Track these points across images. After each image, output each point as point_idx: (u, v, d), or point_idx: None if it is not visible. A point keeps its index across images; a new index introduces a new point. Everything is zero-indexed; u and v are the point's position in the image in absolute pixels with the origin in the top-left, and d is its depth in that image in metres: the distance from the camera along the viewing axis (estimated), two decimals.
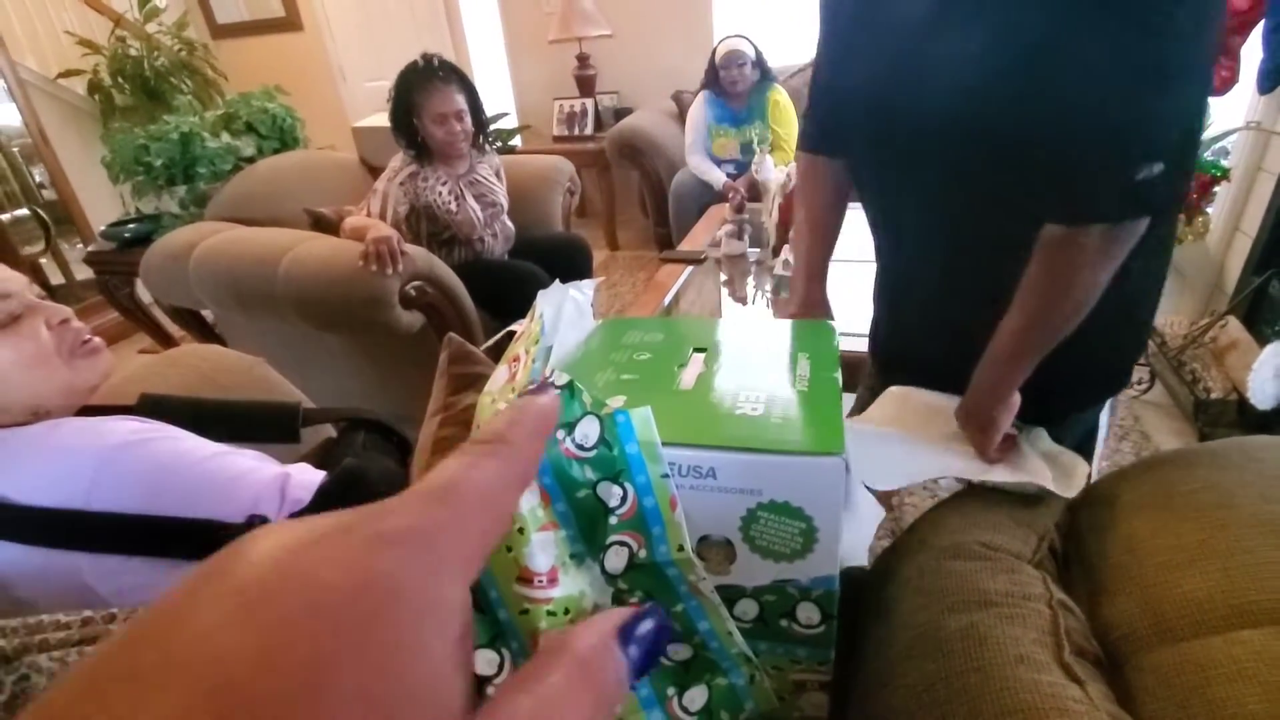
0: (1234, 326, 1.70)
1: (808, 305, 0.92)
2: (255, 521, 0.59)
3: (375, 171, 1.98)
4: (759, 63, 2.74)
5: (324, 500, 0.63)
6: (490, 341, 0.87)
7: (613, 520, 0.52)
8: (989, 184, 0.66)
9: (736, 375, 0.64)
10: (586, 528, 0.55)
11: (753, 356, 0.68)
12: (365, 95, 3.94)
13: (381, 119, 2.20)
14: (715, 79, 2.76)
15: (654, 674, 0.59)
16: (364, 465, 0.68)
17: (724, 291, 1.92)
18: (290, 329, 1.79)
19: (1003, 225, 0.67)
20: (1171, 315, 1.96)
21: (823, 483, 0.51)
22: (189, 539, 0.57)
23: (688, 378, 0.63)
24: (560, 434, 0.51)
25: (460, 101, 1.90)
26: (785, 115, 2.74)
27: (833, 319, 0.85)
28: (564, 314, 0.73)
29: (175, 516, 0.57)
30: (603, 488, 0.51)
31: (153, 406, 0.71)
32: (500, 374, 0.67)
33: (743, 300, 1.90)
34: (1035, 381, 0.75)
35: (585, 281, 0.78)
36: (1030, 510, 0.68)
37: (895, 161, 0.75)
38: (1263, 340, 1.64)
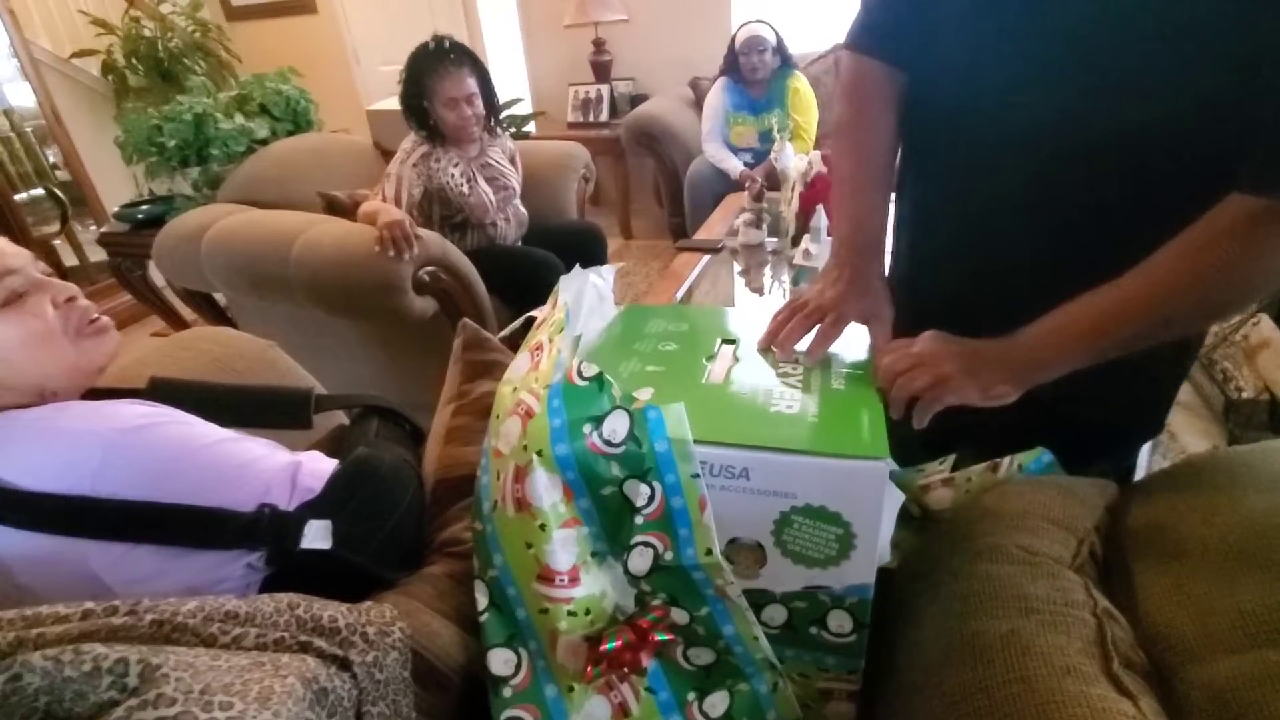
0: (1266, 325, 1.65)
1: (862, 285, 0.66)
2: (265, 510, 0.57)
3: (389, 155, 1.96)
4: (779, 49, 2.69)
5: (336, 489, 0.61)
6: (507, 330, 0.85)
7: (639, 520, 0.51)
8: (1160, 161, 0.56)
9: (768, 370, 0.61)
10: (610, 526, 0.53)
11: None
12: (379, 79, 3.92)
13: (396, 102, 2.18)
14: (734, 65, 2.71)
15: (675, 678, 0.57)
16: (376, 454, 0.66)
17: (739, 282, 1.89)
18: (302, 313, 1.77)
19: (1158, 198, 0.56)
20: None
21: (865, 488, 0.49)
22: (198, 527, 0.56)
23: (717, 371, 0.61)
24: (587, 428, 0.50)
25: (472, 85, 1.87)
26: (805, 103, 2.68)
27: (890, 312, 0.67)
28: (585, 300, 0.71)
29: (184, 504, 0.55)
30: (630, 486, 0.50)
31: (162, 390, 0.70)
32: (522, 362, 0.63)
33: (759, 291, 1.87)
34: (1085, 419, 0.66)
35: (606, 267, 0.76)
36: (1068, 511, 0.65)
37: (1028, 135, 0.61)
38: None
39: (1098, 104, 0.57)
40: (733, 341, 0.65)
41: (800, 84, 2.70)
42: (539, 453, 0.49)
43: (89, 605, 0.38)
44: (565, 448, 0.49)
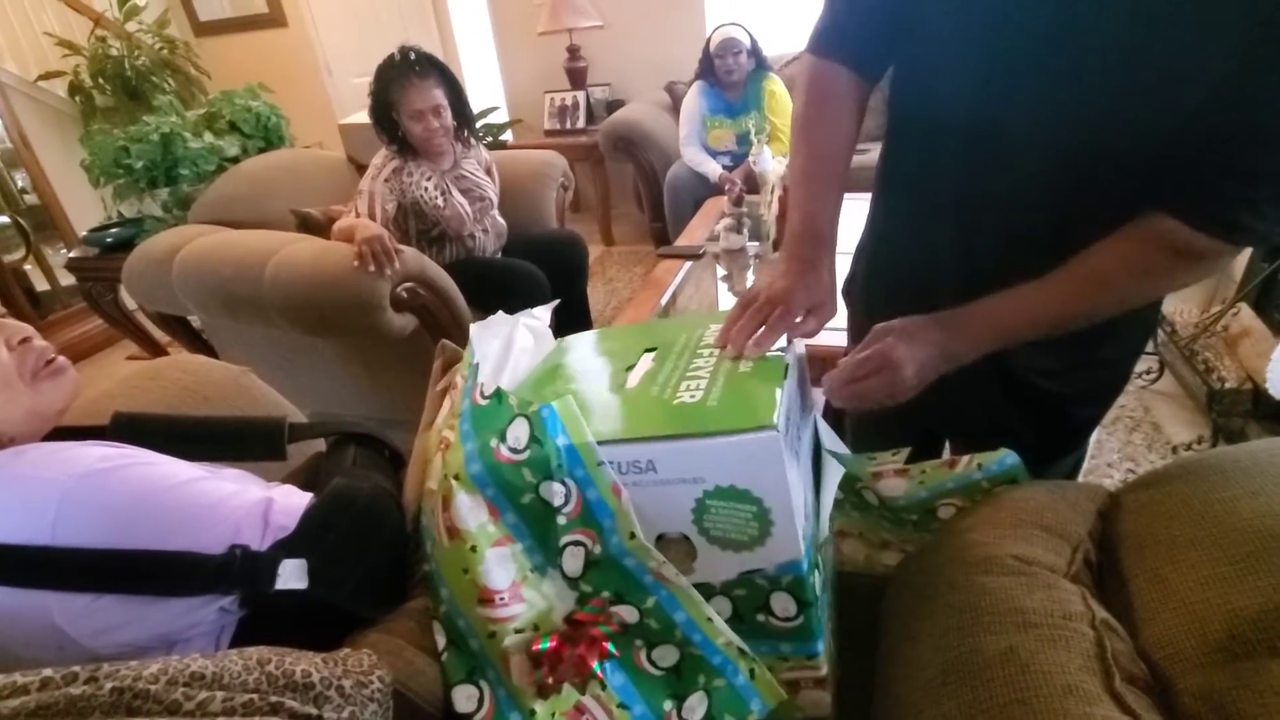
0: (1245, 314, 1.67)
1: (811, 279, 0.66)
2: (236, 552, 0.55)
3: (363, 169, 1.94)
4: (754, 51, 2.69)
5: (310, 525, 0.59)
6: None
7: (561, 520, 0.51)
8: (1112, 174, 0.60)
9: (683, 368, 0.61)
10: (540, 534, 0.52)
11: (708, 347, 0.64)
12: (352, 91, 3.88)
13: (364, 115, 2.15)
14: (710, 68, 2.71)
15: (645, 687, 0.55)
16: (353, 485, 0.64)
17: (723, 287, 1.88)
18: (279, 334, 1.74)
19: (1102, 210, 0.62)
20: (1180, 304, 1.93)
21: (763, 459, 0.48)
22: (165, 573, 0.53)
23: (632, 378, 0.61)
24: (494, 441, 0.50)
25: (439, 96, 1.84)
26: (782, 105, 2.69)
27: (834, 306, 0.68)
28: (515, 342, 0.69)
29: (149, 550, 0.53)
30: (545, 488, 0.50)
31: (127, 427, 0.67)
32: (444, 408, 0.66)
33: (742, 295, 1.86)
34: (1072, 401, 0.70)
35: (540, 308, 0.75)
36: (1060, 518, 0.64)
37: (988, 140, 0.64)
38: (1274, 328, 1.60)
39: (1064, 117, 0.59)
40: (653, 349, 0.65)
41: (776, 86, 2.71)
42: (456, 476, 0.51)
43: (47, 673, 0.36)
44: (478, 465, 0.50)
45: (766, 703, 0.55)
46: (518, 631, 0.51)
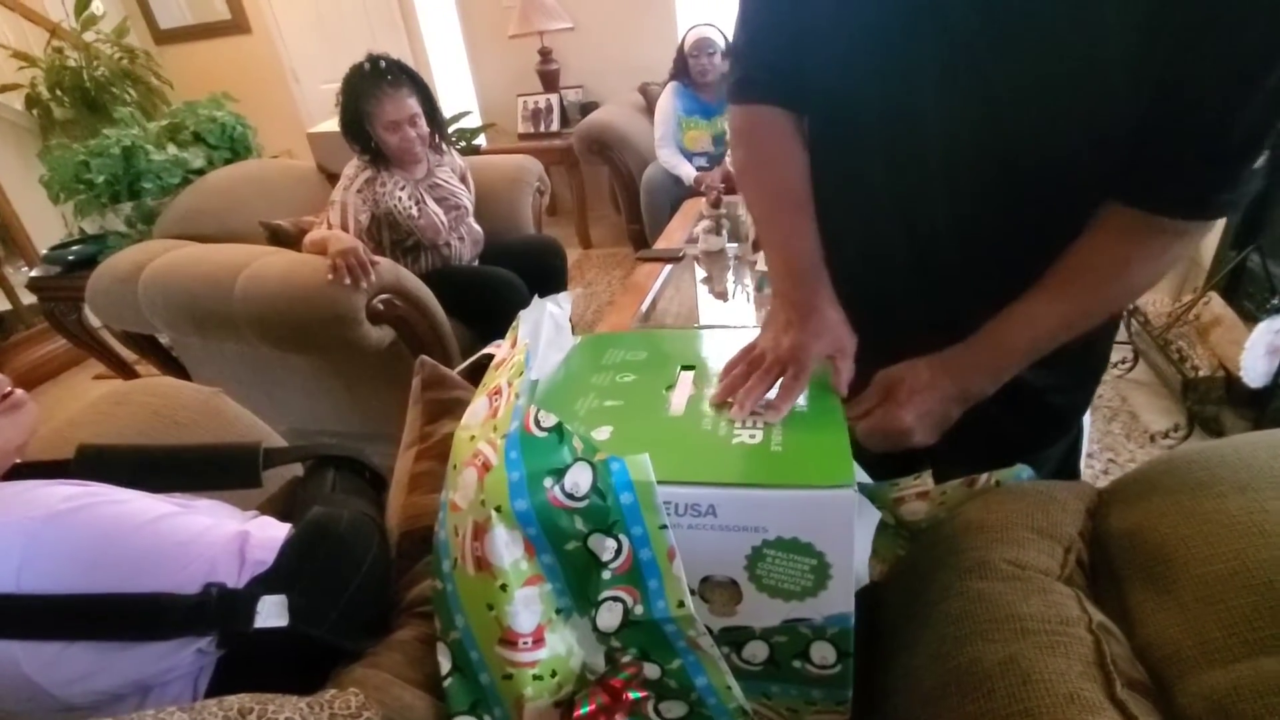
0: (1216, 303, 1.70)
1: (817, 323, 0.62)
2: (212, 591, 0.53)
3: (334, 179, 1.90)
4: (727, 52, 2.69)
5: (289, 559, 0.57)
6: (466, 364, 0.81)
7: (606, 575, 0.48)
8: (1060, 172, 0.59)
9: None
10: (575, 582, 0.49)
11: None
12: (321, 98, 3.82)
13: (335, 124, 2.11)
14: (684, 69, 2.70)
15: None
16: (332, 513, 0.62)
17: (703, 290, 1.88)
18: (252, 351, 1.70)
19: (1057, 208, 0.61)
20: (1153, 294, 1.96)
21: (834, 517, 0.47)
22: (137, 617, 0.51)
23: (677, 402, 0.58)
24: (548, 481, 0.47)
25: (413, 105, 1.81)
26: None
27: (853, 340, 0.64)
28: (543, 334, 0.67)
29: (119, 593, 0.50)
30: (595, 540, 0.47)
31: (94, 460, 0.64)
32: (480, 407, 0.59)
33: (723, 296, 1.86)
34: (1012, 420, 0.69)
35: (562, 295, 0.72)
36: (1051, 519, 0.64)
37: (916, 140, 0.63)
38: (1244, 315, 1.64)
39: (980, 100, 0.58)
40: (692, 367, 0.63)
41: None
42: (498, 508, 0.47)
43: None
44: (525, 503, 0.47)
45: None
46: (536, 679, 0.49)
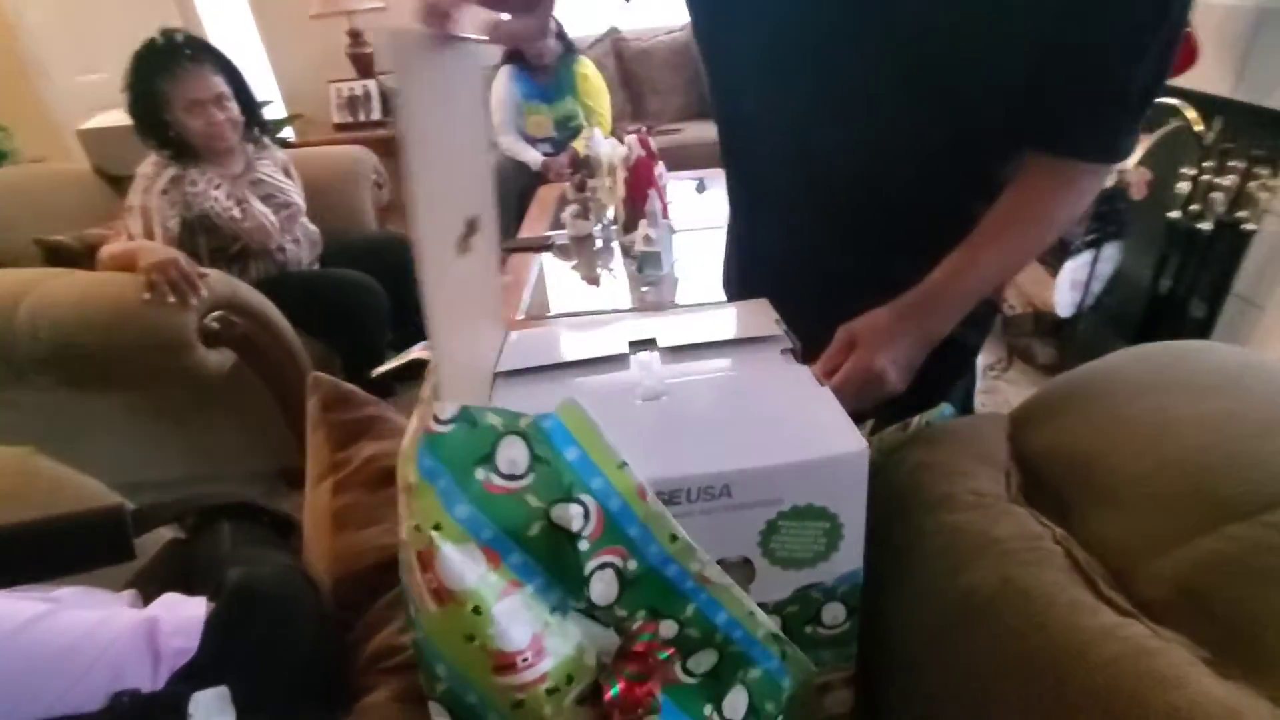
0: None
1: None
2: (123, 701, 0.40)
3: (120, 182, 1.60)
4: (560, 35, 2.63)
5: (217, 638, 0.45)
6: (384, 369, 0.71)
7: (583, 545, 0.43)
8: (962, 118, 0.64)
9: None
10: (554, 567, 0.44)
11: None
12: (79, 92, 3.21)
13: (114, 117, 1.78)
14: (519, 52, 2.60)
15: (684, 700, 0.51)
16: (254, 574, 0.51)
17: (575, 275, 1.83)
18: (45, 397, 1.39)
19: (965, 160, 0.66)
20: None
21: (849, 478, 0.47)
22: None
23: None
24: (479, 472, 0.41)
25: (219, 84, 1.58)
26: (596, 88, 2.67)
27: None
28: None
29: None
30: (558, 512, 0.42)
31: None
32: (413, 424, 0.53)
33: (594, 282, 1.82)
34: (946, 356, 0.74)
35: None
36: (986, 447, 0.68)
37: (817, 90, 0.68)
38: (1043, 263, 1.91)
39: (883, 64, 0.63)
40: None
41: (588, 69, 2.68)
42: (436, 527, 0.40)
43: None
44: (465, 507, 0.41)
45: (795, 679, 0.53)
46: (551, 692, 0.43)
